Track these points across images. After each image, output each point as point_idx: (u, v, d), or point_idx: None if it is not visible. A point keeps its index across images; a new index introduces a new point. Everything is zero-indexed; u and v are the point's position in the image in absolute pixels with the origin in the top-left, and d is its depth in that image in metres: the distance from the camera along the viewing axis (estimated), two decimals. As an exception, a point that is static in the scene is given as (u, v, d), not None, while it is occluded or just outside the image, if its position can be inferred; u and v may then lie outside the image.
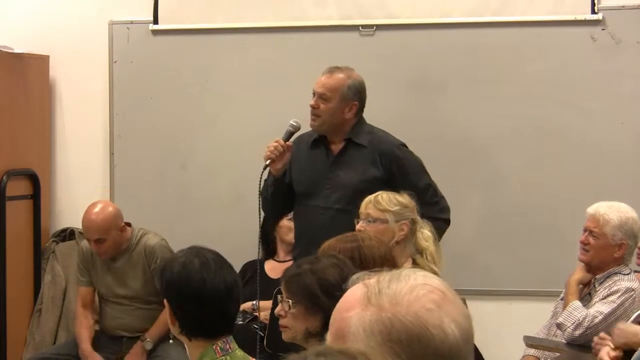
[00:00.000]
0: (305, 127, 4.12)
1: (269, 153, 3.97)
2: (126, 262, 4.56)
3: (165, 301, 2.53)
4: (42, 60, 5.33)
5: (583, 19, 4.77)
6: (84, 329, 4.57)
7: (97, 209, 4.51)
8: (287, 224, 4.73)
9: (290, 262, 4.32)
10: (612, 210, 3.84)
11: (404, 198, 3.52)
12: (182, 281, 2.49)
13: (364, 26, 4.99)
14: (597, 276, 3.86)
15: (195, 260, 2.51)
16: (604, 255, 3.83)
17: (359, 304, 1.43)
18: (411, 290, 1.42)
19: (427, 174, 4.08)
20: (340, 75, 4.04)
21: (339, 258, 2.67)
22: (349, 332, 1.41)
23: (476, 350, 3.57)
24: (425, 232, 3.52)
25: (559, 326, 3.76)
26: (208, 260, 2.52)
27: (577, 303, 3.76)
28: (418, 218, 3.53)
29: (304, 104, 4.18)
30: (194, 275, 2.48)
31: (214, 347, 2.46)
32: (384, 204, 3.47)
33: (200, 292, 2.47)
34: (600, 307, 3.72)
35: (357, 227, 3.52)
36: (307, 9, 5.08)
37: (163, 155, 5.22)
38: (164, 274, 2.53)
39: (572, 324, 3.69)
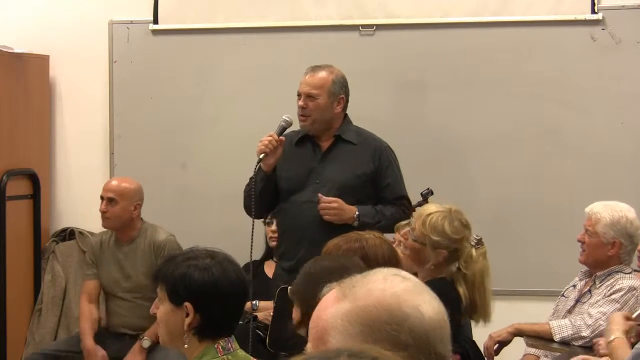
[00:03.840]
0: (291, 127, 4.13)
1: (262, 147, 3.97)
2: (132, 251, 4.58)
3: (186, 306, 2.42)
4: (42, 60, 5.33)
5: (583, 18, 4.78)
6: (88, 323, 4.57)
7: (125, 177, 4.75)
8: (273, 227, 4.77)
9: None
10: (606, 209, 3.85)
11: (451, 227, 3.29)
12: (218, 281, 2.44)
13: (364, 26, 4.99)
14: (598, 274, 3.86)
15: (216, 260, 2.48)
16: (598, 254, 3.84)
17: (334, 301, 1.47)
18: (384, 279, 1.48)
19: (404, 184, 4.15)
20: (323, 73, 4.07)
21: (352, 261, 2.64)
22: (329, 328, 1.44)
23: (477, 349, 3.57)
24: (472, 256, 3.34)
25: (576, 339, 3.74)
26: (228, 260, 2.51)
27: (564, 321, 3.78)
28: (465, 245, 3.32)
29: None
30: (228, 275, 2.46)
31: (215, 346, 2.45)
32: (427, 228, 3.29)
33: (231, 293, 2.46)
34: (603, 308, 3.72)
35: (402, 232, 3.50)
36: (307, 8, 5.08)
37: (163, 155, 5.23)
38: (188, 278, 2.45)
39: (573, 333, 3.69)
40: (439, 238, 3.29)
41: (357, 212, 3.97)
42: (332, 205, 3.95)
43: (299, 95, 4.06)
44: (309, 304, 2.47)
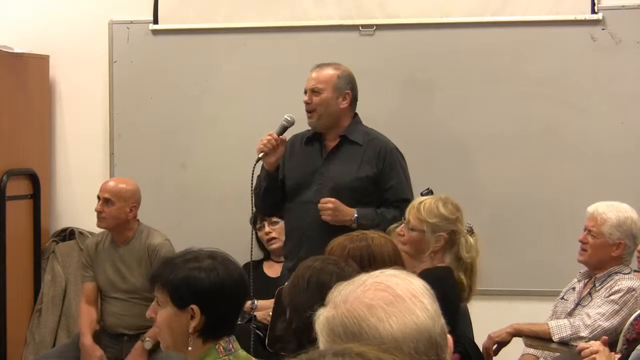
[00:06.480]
0: (302, 127, 4.14)
1: (262, 146, 4.00)
2: (128, 253, 4.58)
3: (193, 309, 2.41)
4: (42, 60, 5.33)
5: (583, 18, 4.78)
6: (86, 323, 4.57)
7: (123, 178, 4.73)
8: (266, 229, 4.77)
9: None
10: (611, 210, 3.84)
11: (446, 209, 3.42)
12: (225, 282, 2.43)
13: (364, 26, 4.99)
14: (597, 275, 3.86)
15: (218, 260, 2.47)
16: (601, 255, 3.83)
17: (327, 307, 1.54)
18: (357, 288, 1.51)
19: (410, 188, 4.12)
20: (329, 68, 4.10)
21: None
22: (318, 332, 1.52)
23: (476, 349, 3.57)
24: (469, 242, 3.43)
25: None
26: (228, 259, 2.50)
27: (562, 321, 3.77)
28: (461, 228, 3.44)
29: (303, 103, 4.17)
30: (232, 275, 2.46)
31: (217, 347, 2.43)
32: (423, 214, 3.40)
33: (236, 292, 2.47)
34: (601, 309, 3.71)
35: (398, 230, 3.52)
36: (307, 8, 5.08)
37: (163, 155, 5.23)
38: (193, 280, 2.43)
39: (572, 333, 3.68)
40: (437, 219, 3.38)
41: (355, 215, 3.96)
42: (327, 205, 3.94)
43: (305, 91, 4.07)
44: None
